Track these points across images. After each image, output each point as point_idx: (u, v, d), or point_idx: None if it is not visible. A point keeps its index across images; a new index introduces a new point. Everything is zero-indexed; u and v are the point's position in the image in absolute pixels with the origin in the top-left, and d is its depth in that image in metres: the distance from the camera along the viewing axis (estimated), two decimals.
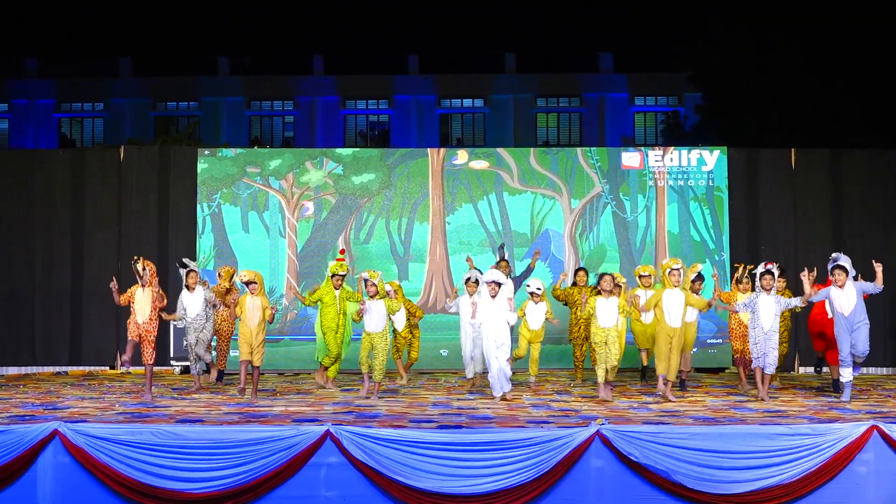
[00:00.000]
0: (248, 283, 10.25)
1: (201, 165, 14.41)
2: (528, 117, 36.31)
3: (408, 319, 11.71)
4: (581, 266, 12.93)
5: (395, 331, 11.44)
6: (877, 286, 9.58)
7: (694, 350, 11.49)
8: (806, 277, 9.80)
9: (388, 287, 11.31)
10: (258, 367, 10.31)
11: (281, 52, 41.61)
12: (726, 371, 13.73)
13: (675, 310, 9.90)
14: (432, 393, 10.85)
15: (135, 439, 7.44)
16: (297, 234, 14.34)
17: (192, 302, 10.73)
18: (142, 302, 10.09)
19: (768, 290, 9.81)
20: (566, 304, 12.06)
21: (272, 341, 13.53)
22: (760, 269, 9.97)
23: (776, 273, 9.92)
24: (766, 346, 9.77)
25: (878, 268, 9.56)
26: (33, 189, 14.49)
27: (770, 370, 9.87)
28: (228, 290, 11.59)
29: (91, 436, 7.45)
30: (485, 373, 10.51)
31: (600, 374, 9.80)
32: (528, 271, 12.34)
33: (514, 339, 11.37)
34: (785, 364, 11.76)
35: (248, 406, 9.42)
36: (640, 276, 11.42)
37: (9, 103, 36.25)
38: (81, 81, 36.47)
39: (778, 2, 24.56)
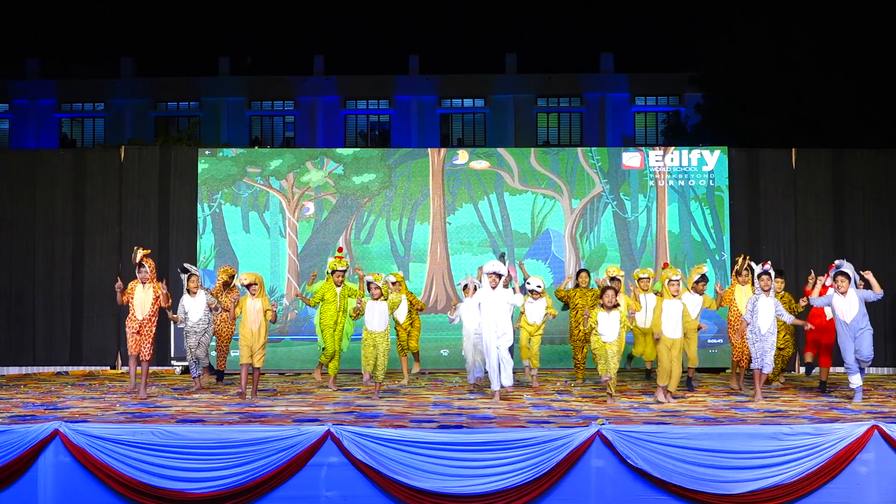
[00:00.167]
0: (248, 286, 10.25)
1: (202, 166, 14.42)
2: (528, 117, 36.32)
3: (409, 312, 11.74)
4: (583, 268, 12.93)
5: (395, 321, 11.48)
6: (876, 293, 9.59)
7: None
8: (812, 282, 9.94)
9: (391, 278, 11.35)
10: (259, 368, 10.32)
11: (281, 52, 41.71)
12: (727, 371, 13.71)
13: (674, 321, 9.85)
14: (433, 393, 10.85)
15: (135, 439, 7.45)
16: (298, 234, 14.35)
17: (194, 306, 10.74)
18: (141, 298, 10.10)
19: (766, 291, 9.84)
20: (566, 307, 12.06)
21: (273, 341, 13.52)
22: (758, 269, 9.97)
23: (773, 274, 9.94)
24: (763, 346, 9.80)
25: (869, 275, 9.56)
26: (34, 189, 14.49)
27: (767, 370, 9.90)
28: (226, 285, 11.59)
29: (92, 436, 7.45)
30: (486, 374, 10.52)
31: (601, 368, 9.72)
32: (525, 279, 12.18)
33: (515, 340, 11.39)
34: (787, 365, 11.74)
35: (249, 406, 9.43)
36: (640, 279, 11.41)
37: (10, 103, 36.28)
38: (82, 82, 36.53)
39: (778, 1, 24.57)
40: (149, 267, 10.16)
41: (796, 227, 14.44)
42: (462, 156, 14.60)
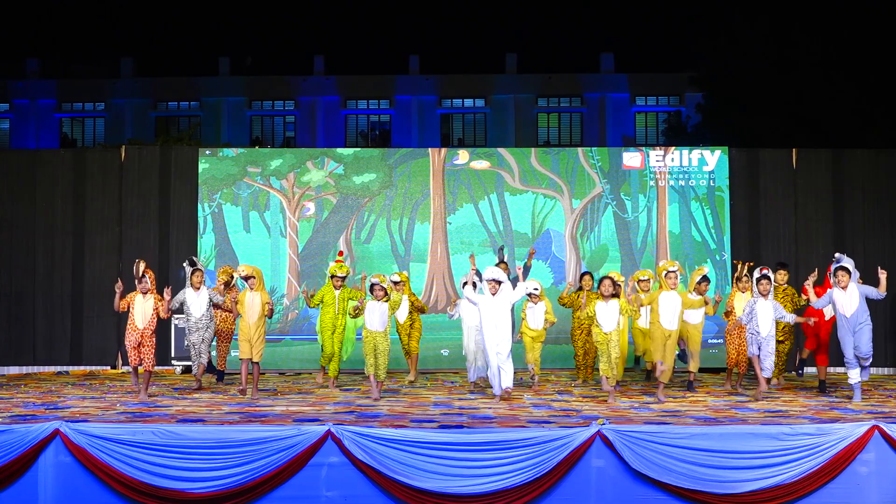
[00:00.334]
0: (246, 279, 10.26)
1: (202, 165, 14.42)
2: (528, 117, 36.32)
3: (410, 312, 11.73)
4: (586, 270, 12.92)
5: (396, 321, 11.49)
6: (880, 293, 9.58)
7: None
8: (809, 286, 9.91)
9: (395, 277, 11.35)
10: (258, 365, 10.32)
11: (282, 52, 41.72)
12: (724, 374, 13.71)
13: (672, 312, 9.93)
14: (433, 393, 10.86)
15: (136, 439, 7.45)
16: (298, 233, 14.35)
17: (197, 302, 10.72)
18: (142, 308, 10.08)
19: (765, 295, 9.88)
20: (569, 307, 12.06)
21: (273, 341, 13.55)
22: (757, 274, 10.00)
23: (772, 278, 9.96)
24: (763, 350, 9.82)
25: (883, 275, 9.55)
26: (34, 189, 14.49)
27: (767, 374, 9.92)
28: (227, 285, 11.58)
29: (92, 435, 7.45)
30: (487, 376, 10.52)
31: (602, 369, 9.76)
32: (526, 270, 12.22)
33: (517, 341, 11.39)
34: (787, 364, 11.74)
35: (250, 406, 9.43)
36: (639, 281, 11.41)
37: (10, 103, 36.30)
38: (82, 82, 36.54)
39: (778, 1, 24.57)
40: (150, 278, 10.14)
41: (796, 227, 14.44)
42: (462, 156, 14.61)
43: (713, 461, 7.38)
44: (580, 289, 12.03)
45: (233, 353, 12.17)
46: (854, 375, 9.71)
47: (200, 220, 14.28)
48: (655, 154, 14.52)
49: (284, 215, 14.34)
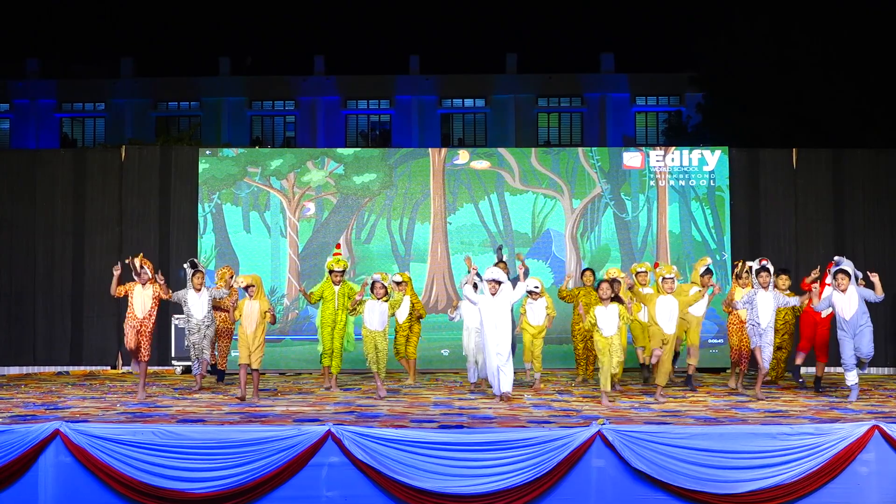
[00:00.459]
0: (246, 288, 10.24)
1: (202, 165, 14.42)
2: (529, 117, 36.32)
3: (410, 313, 11.73)
4: (587, 267, 12.92)
5: (395, 321, 11.49)
6: (877, 296, 9.59)
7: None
8: (809, 287, 9.95)
9: (397, 277, 11.36)
10: (257, 370, 10.32)
11: (282, 52, 41.71)
12: (728, 371, 13.71)
13: (669, 316, 9.98)
14: (434, 393, 10.86)
15: (136, 439, 7.45)
16: (299, 233, 14.35)
17: (199, 303, 10.73)
18: (141, 298, 10.10)
19: (766, 287, 9.89)
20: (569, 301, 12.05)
21: (273, 341, 13.55)
22: (756, 265, 10.03)
23: (771, 270, 9.97)
24: (762, 341, 9.85)
25: (874, 277, 9.56)
26: (34, 189, 14.49)
27: (765, 364, 9.93)
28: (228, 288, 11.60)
29: (92, 435, 7.46)
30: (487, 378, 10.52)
31: (603, 383, 9.73)
32: (525, 272, 12.13)
33: (518, 340, 11.39)
34: (787, 364, 11.74)
35: (250, 406, 9.43)
36: (637, 273, 11.46)
37: (10, 103, 36.30)
38: (82, 82, 36.54)
39: (778, 1, 24.57)
40: (148, 268, 10.16)
41: (797, 227, 14.44)
42: (463, 156, 14.60)
43: (713, 461, 7.39)
44: (582, 286, 12.04)
45: (233, 353, 12.17)
46: (851, 378, 9.71)
47: (201, 220, 14.29)
48: (656, 154, 14.52)
49: (285, 215, 14.34)
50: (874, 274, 9.60)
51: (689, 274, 13.19)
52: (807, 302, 10.62)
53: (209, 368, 11.46)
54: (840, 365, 9.94)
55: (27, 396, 10.43)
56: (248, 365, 10.12)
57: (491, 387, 10.18)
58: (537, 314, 11.19)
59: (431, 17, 45.47)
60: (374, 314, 10.10)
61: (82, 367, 14.23)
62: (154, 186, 14.52)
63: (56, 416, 8.28)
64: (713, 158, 14.41)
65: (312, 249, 14.30)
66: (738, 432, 7.57)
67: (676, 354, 11.15)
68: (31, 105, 36.24)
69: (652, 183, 14.38)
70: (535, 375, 11.27)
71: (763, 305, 9.91)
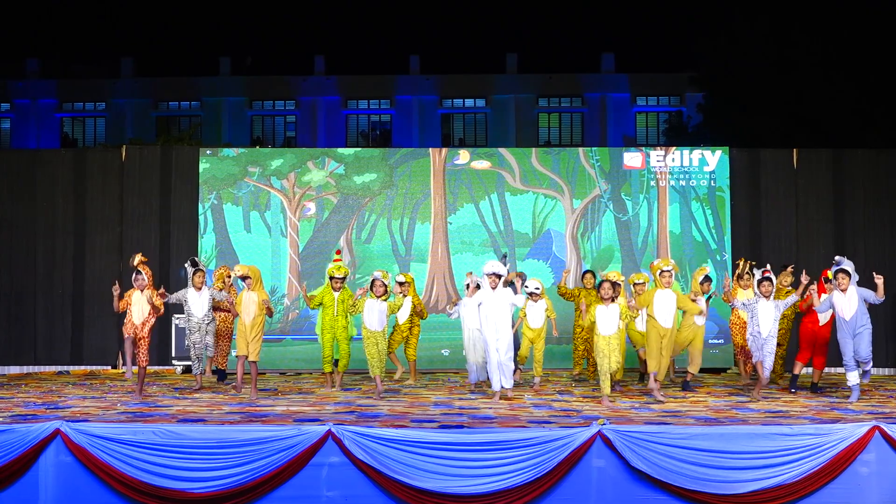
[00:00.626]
0: (243, 278, 10.28)
1: (203, 165, 14.42)
2: (529, 117, 36.32)
3: (411, 315, 11.71)
4: (588, 269, 12.90)
5: (395, 320, 11.49)
6: (878, 297, 9.58)
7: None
8: (808, 286, 9.91)
9: (399, 278, 11.35)
10: (256, 364, 10.31)
11: (282, 52, 41.70)
12: (728, 371, 13.74)
13: (667, 310, 9.94)
14: (434, 392, 10.85)
15: (136, 439, 7.45)
16: (299, 233, 14.35)
17: (199, 302, 10.73)
18: (139, 303, 10.10)
19: (767, 297, 9.84)
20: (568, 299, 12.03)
21: (273, 341, 13.56)
22: (758, 275, 9.96)
23: (774, 280, 9.95)
24: (763, 352, 9.81)
25: (879, 280, 9.54)
26: (35, 189, 14.49)
27: (767, 373, 9.91)
28: (226, 285, 11.60)
29: (93, 435, 7.46)
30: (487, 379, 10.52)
31: (603, 387, 9.72)
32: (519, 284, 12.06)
33: (517, 347, 11.37)
34: (787, 364, 11.73)
35: (250, 406, 9.43)
36: (635, 285, 11.39)
37: (11, 103, 36.31)
38: (83, 81, 36.55)
39: (778, 1, 24.57)
40: (146, 274, 10.15)
41: (797, 227, 14.44)
42: (463, 156, 14.60)
43: (714, 461, 7.39)
44: (581, 286, 12.03)
45: (233, 353, 12.17)
46: (852, 378, 9.70)
47: (201, 220, 14.29)
48: (656, 154, 14.52)
49: (285, 215, 14.34)
50: (879, 277, 9.57)
51: (689, 278, 13.19)
52: (806, 297, 10.58)
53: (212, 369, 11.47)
54: (841, 365, 9.94)
55: (27, 396, 10.43)
56: (246, 357, 10.14)
57: (491, 388, 10.17)
58: (537, 316, 11.17)
59: (431, 17, 45.48)
60: (374, 314, 10.10)
61: (83, 367, 14.23)
62: (154, 186, 14.52)
63: (56, 415, 8.28)
64: (714, 158, 14.41)
65: (313, 249, 14.30)
66: (739, 433, 7.56)
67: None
68: (31, 105, 36.26)
69: (652, 183, 14.38)
70: (535, 379, 11.22)
71: (764, 315, 9.84)
